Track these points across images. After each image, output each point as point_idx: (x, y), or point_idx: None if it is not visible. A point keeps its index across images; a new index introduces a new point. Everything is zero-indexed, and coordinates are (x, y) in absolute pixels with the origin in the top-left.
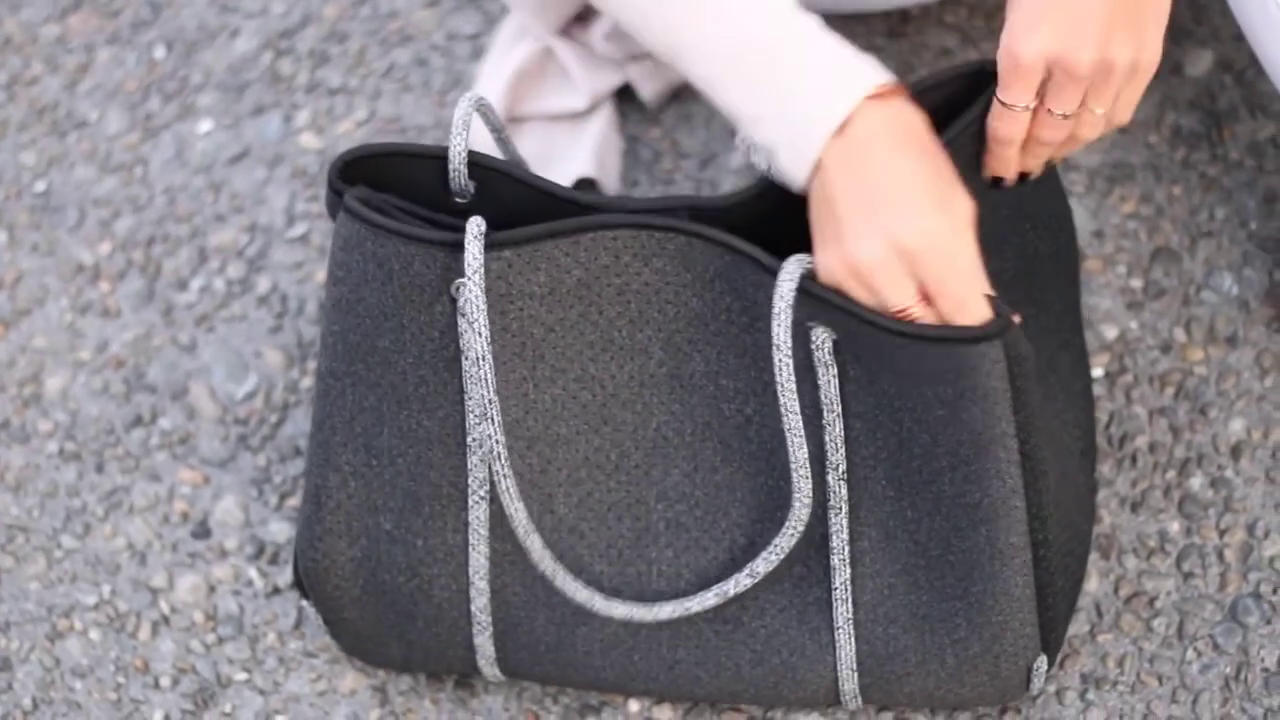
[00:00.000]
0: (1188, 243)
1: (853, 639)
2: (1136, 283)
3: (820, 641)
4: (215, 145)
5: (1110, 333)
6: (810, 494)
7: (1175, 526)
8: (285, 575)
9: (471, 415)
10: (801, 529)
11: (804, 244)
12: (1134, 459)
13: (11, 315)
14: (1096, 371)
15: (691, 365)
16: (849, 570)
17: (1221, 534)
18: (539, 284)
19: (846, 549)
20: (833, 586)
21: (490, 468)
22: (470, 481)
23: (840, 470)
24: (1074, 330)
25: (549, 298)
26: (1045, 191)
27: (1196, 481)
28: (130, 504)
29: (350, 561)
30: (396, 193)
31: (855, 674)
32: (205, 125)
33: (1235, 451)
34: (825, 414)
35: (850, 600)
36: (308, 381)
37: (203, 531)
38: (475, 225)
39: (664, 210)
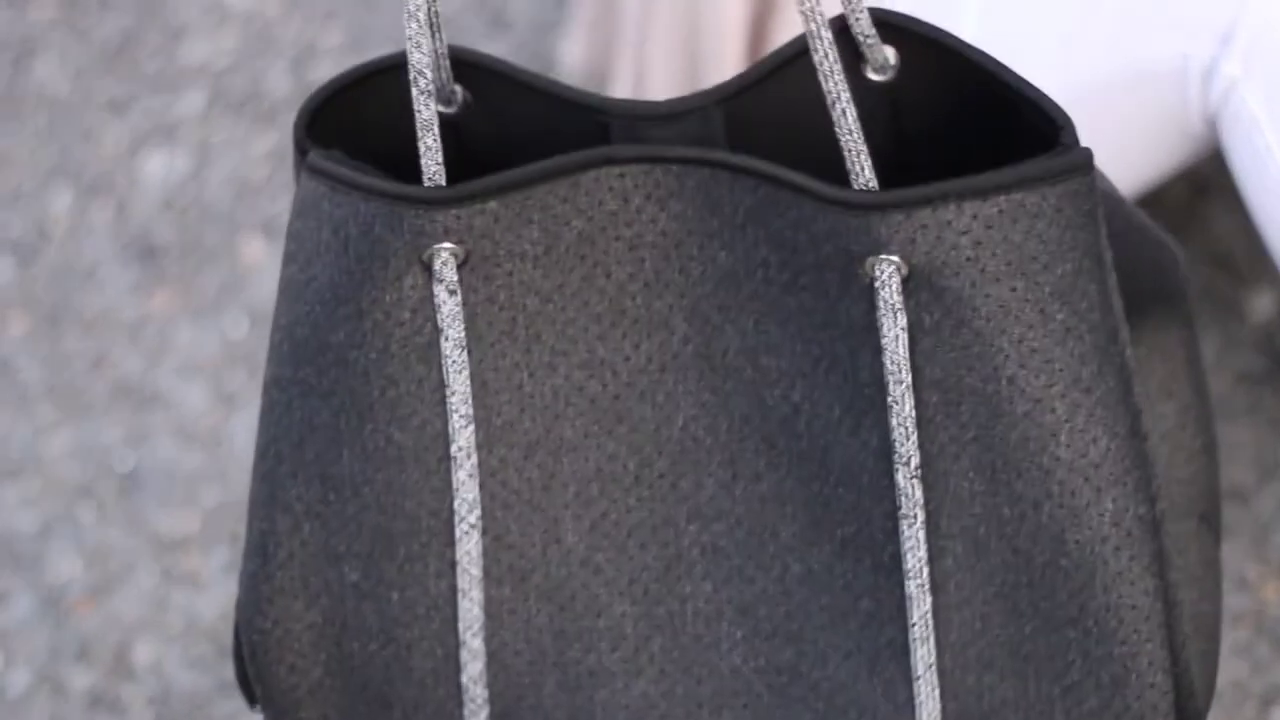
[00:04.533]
0: (1255, 482)
1: (936, 691)
2: None
3: (896, 698)
4: None
5: None
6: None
7: None
8: None
9: (456, 416)
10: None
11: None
12: (1218, 695)
13: (101, 588)
14: None
15: (724, 341)
16: (929, 600)
17: None
18: (531, 240)
19: (925, 571)
20: (910, 623)
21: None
22: (457, 505)
23: (913, 465)
24: (1188, 382)
25: (544, 258)
26: (1147, 231)
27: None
28: None
29: (309, 630)
30: (382, 145)
31: None
32: None
33: None
34: (891, 387)
35: (932, 640)
36: None
37: None
38: (433, 163)
39: (693, 111)
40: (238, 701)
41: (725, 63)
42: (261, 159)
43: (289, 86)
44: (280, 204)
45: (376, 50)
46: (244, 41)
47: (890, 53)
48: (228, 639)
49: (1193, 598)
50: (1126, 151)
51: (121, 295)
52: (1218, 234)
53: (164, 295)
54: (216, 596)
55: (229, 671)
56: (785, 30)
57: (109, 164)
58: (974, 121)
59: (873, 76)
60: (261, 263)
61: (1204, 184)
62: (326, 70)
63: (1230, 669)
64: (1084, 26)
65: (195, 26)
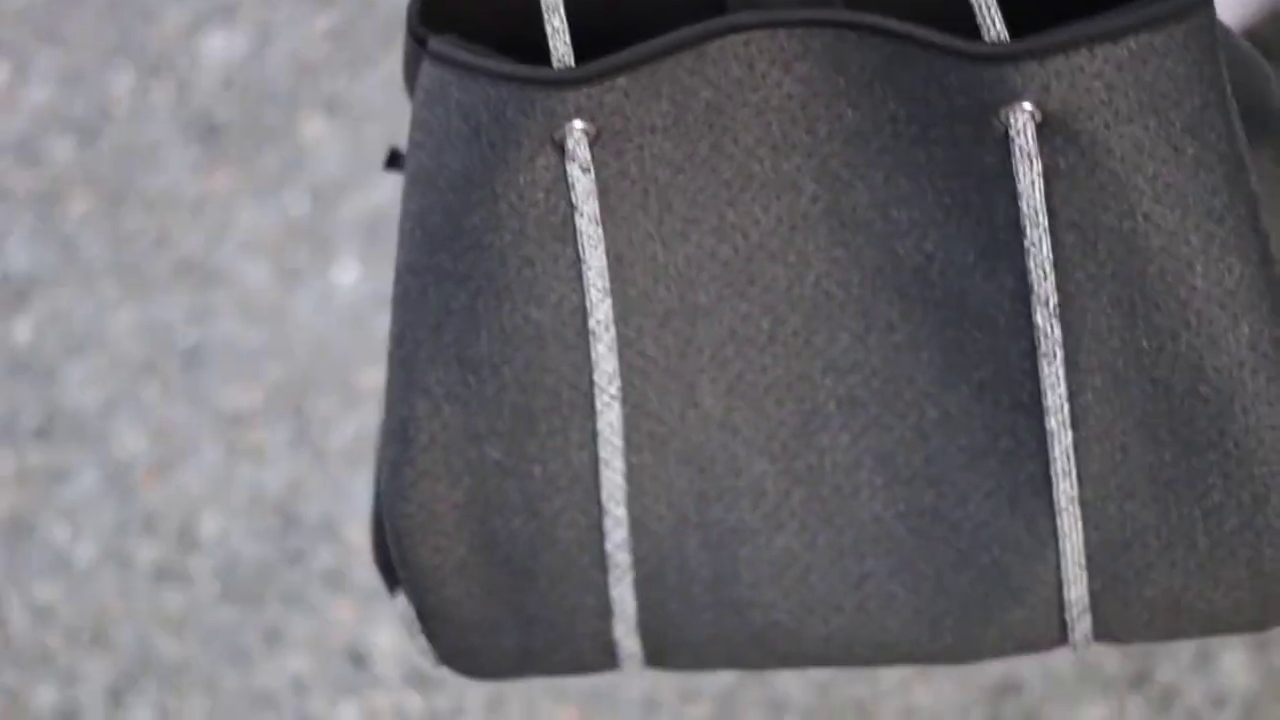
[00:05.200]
0: None
1: (1079, 523)
2: None
3: (1038, 532)
4: (360, 291)
5: None
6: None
7: None
8: (444, 697)
9: (594, 290)
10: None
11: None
12: None
13: (166, 463)
14: None
15: (853, 196)
16: (1070, 435)
17: None
18: (661, 113)
19: (1065, 407)
20: (1050, 458)
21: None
22: (597, 378)
23: (1051, 305)
24: None
25: (673, 130)
26: (1238, 50)
27: None
28: (290, 639)
29: (453, 510)
30: (488, 26)
31: (1085, 573)
32: (349, 273)
33: None
34: (1028, 230)
35: (1074, 474)
36: None
37: (361, 661)
38: (561, 42)
39: None
40: (301, 571)
41: None
42: (321, 37)
43: None
44: (340, 82)
45: None
46: None
47: None
48: (292, 511)
49: None
50: None
51: (183, 174)
52: None
53: (225, 174)
54: (280, 470)
55: (293, 542)
56: None
57: (170, 44)
58: None
59: None
60: (322, 140)
61: (1264, 47)
62: None
63: None
64: None
65: None
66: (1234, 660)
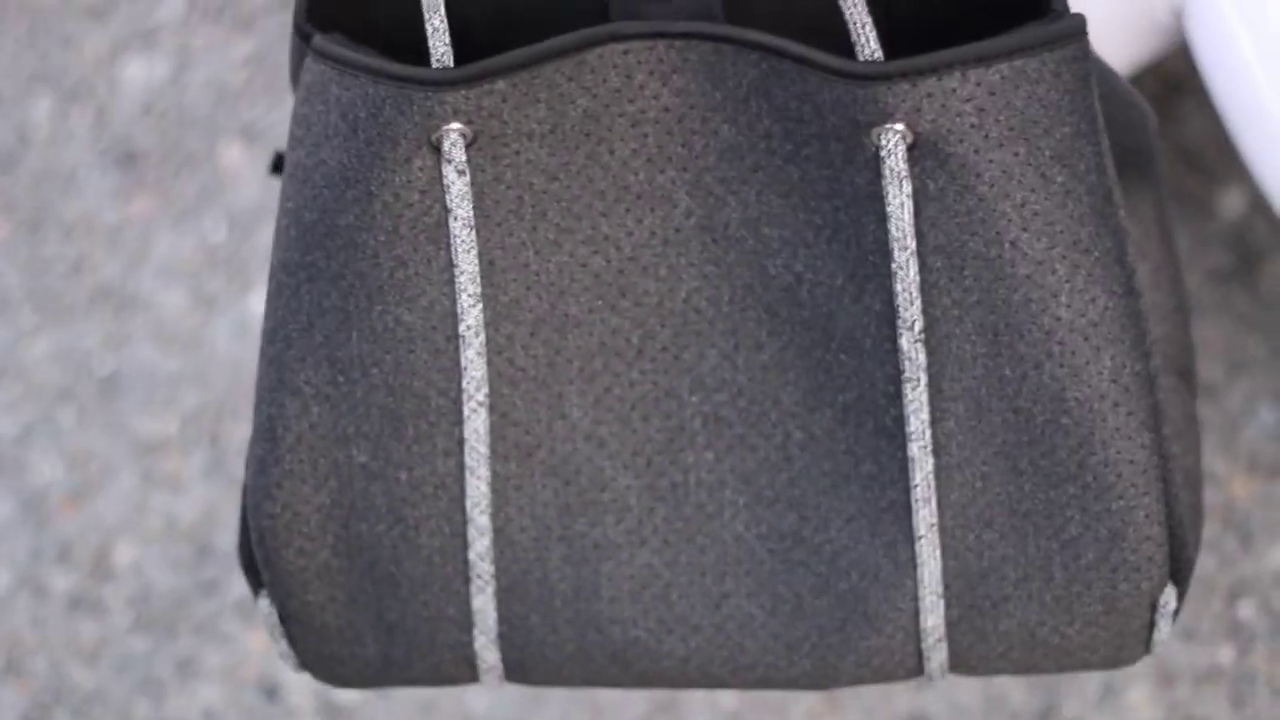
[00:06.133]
0: (1224, 378)
1: (937, 551)
2: None
3: (897, 558)
4: None
5: None
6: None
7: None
8: None
9: (465, 295)
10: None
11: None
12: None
13: (82, 491)
14: None
15: (726, 213)
16: (931, 461)
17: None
18: (538, 119)
19: (927, 433)
20: (912, 484)
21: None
22: (465, 384)
23: (916, 329)
24: (1159, 242)
25: (550, 137)
26: (1119, 92)
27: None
28: (203, 670)
29: (317, 512)
30: (377, 28)
31: (941, 602)
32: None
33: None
34: (896, 252)
35: (934, 501)
36: None
37: (273, 693)
38: (440, 43)
39: None
40: (217, 601)
41: None
42: (240, 64)
43: None
44: (259, 109)
45: None
46: None
47: None
48: (207, 540)
49: (1176, 452)
50: (1094, 43)
51: (101, 200)
52: (1189, 131)
53: (144, 200)
54: (196, 498)
55: (208, 572)
56: None
57: (89, 70)
58: None
59: None
60: (240, 167)
61: (1176, 81)
62: None
63: (1198, 562)
64: None
65: None
66: (1139, 694)
